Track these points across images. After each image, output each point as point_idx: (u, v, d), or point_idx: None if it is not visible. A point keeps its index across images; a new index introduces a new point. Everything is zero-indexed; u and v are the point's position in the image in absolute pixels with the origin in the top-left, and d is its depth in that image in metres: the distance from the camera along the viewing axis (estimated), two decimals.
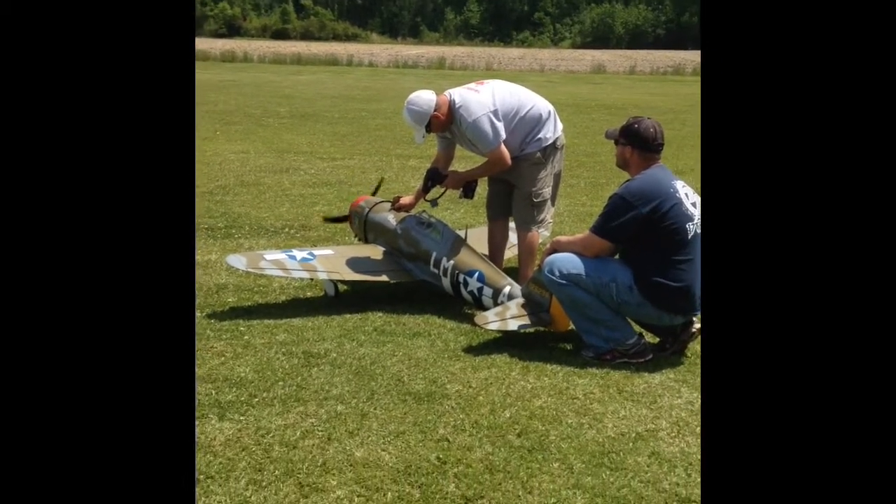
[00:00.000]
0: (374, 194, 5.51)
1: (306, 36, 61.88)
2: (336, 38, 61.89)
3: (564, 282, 3.79)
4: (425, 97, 4.58)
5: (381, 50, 45.13)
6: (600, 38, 63.88)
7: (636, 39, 62.57)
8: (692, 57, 38.98)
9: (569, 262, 3.81)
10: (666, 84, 27.16)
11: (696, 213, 3.76)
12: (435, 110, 4.55)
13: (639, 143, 3.84)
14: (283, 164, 9.65)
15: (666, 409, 3.36)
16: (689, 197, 3.79)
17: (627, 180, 3.88)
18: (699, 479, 2.81)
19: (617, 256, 3.90)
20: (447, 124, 4.63)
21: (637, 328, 3.95)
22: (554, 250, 3.94)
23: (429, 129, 4.61)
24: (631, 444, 3.05)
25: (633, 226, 3.70)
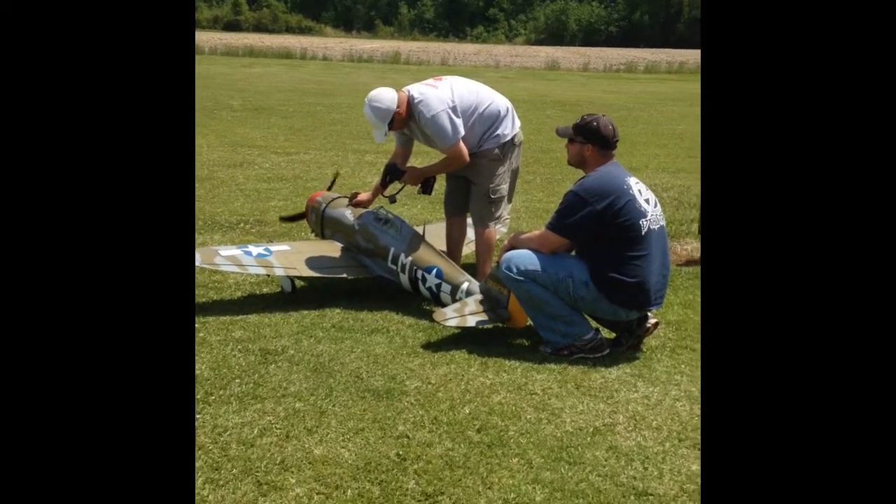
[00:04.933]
0: (329, 189, 5.47)
1: (259, 28, 60.97)
2: (289, 30, 61.14)
3: (522, 278, 3.81)
4: (388, 95, 4.56)
5: (335, 43, 44.72)
6: (554, 35, 64.22)
7: (589, 37, 63.06)
8: (644, 55, 39.49)
9: (526, 259, 3.83)
10: (619, 81, 27.46)
11: (650, 209, 3.82)
12: (397, 107, 4.53)
13: (599, 140, 3.88)
14: (237, 158, 9.53)
15: (623, 404, 3.41)
16: (643, 193, 3.84)
17: (582, 177, 3.92)
18: (656, 473, 2.86)
19: (573, 253, 3.94)
20: (406, 121, 4.62)
21: (594, 324, 3.99)
22: (511, 247, 3.97)
23: (390, 126, 4.59)
24: (589, 439, 3.09)
25: (588, 222, 3.74)
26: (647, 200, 3.83)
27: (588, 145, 3.90)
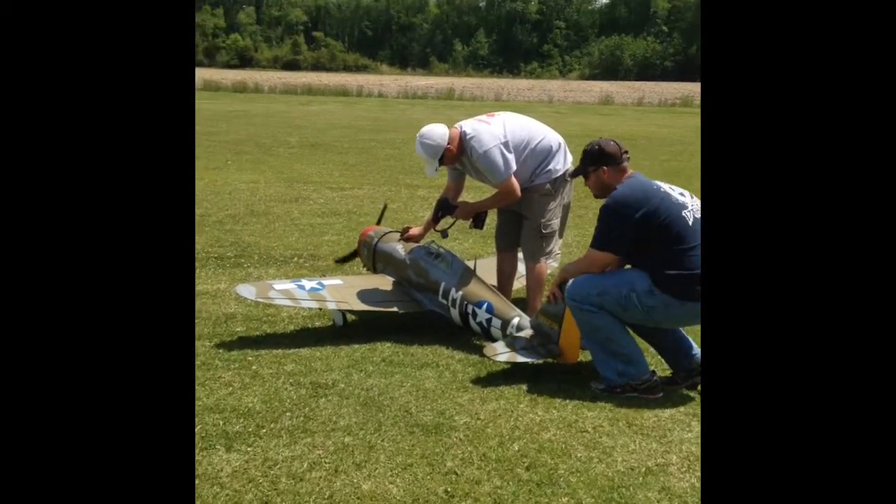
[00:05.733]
0: (379, 222, 5.52)
1: (317, 67, 62.55)
2: (346, 68, 62.56)
3: (589, 308, 3.75)
4: (438, 131, 4.61)
5: (390, 80, 45.51)
6: (608, 70, 64.29)
7: (644, 71, 62.95)
8: (700, 88, 39.15)
9: (588, 284, 3.78)
10: (674, 115, 27.25)
11: (688, 200, 3.77)
12: (447, 143, 4.58)
13: (607, 159, 3.87)
14: (292, 193, 9.70)
15: (676, 444, 3.33)
16: (675, 189, 3.81)
17: (613, 192, 3.86)
18: None
19: (628, 266, 3.88)
20: (458, 156, 4.66)
21: (652, 361, 3.91)
22: (562, 280, 3.93)
23: (441, 161, 4.64)
24: (641, 479, 3.02)
25: (629, 233, 3.71)
26: (682, 194, 3.79)
27: (601, 168, 3.89)
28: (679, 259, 3.67)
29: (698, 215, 3.74)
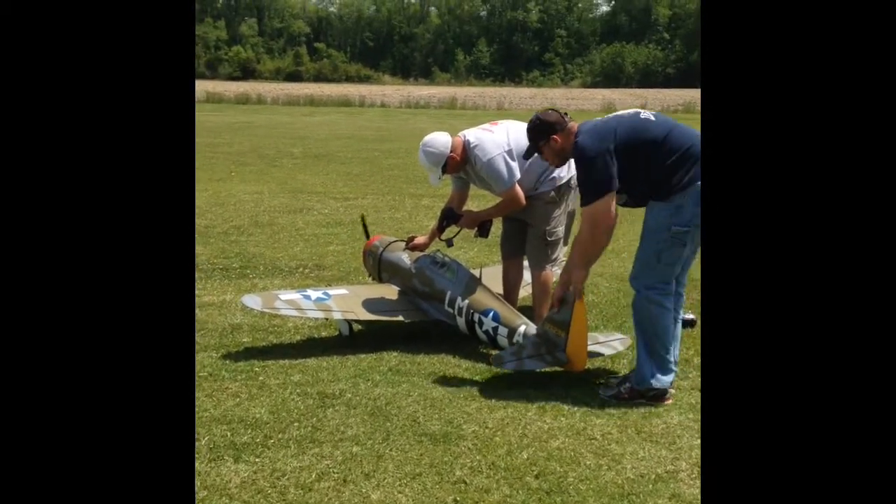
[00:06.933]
0: (367, 235, 5.53)
1: (319, 78, 62.72)
2: (349, 79, 62.70)
3: (657, 296, 3.74)
4: (441, 139, 4.62)
5: (393, 91, 45.61)
6: (610, 78, 64.35)
7: (646, 78, 62.96)
8: None
9: (642, 261, 3.78)
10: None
11: (639, 109, 3.89)
12: (451, 151, 4.59)
13: (556, 127, 3.92)
14: (296, 204, 9.72)
15: (686, 450, 3.31)
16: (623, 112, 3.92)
17: (575, 145, 3.87)
18: None
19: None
20: (462, 165, 4.67)
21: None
22: (566, 282, 3.86)
23: (444, 170, 4.65)
24: (651, 486, 3.01)
25: (611, 163, 3.70)
26: (630, 111, 3.90)
27: (551, 138, 3.93)
28: (663, 154, 3.67)
29: (654, 115, 3.85)
